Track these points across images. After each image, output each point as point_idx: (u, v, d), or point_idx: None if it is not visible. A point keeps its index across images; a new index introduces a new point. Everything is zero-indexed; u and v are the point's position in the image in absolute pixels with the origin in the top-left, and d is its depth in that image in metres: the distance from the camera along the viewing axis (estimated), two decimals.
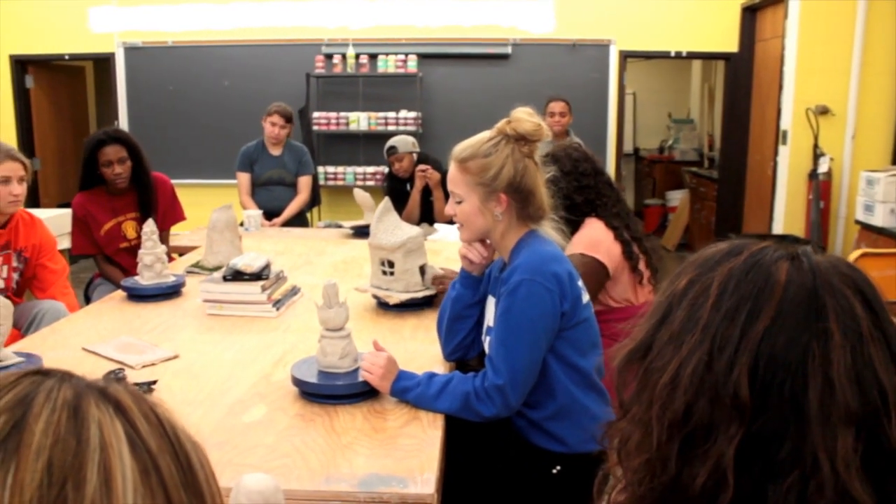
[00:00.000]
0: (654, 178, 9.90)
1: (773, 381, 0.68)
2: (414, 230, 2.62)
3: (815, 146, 5.53)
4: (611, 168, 6.82)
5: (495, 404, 1.68)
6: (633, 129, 10.05)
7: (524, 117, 1.80)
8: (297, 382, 1.80)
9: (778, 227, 5.77)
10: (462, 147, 1.85)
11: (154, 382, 1.89)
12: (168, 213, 3.54)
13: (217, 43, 6.54)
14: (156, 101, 6.64)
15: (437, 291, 2.59)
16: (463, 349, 2.06)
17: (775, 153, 5.85)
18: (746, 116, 6.54)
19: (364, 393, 1.79)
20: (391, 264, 2.56)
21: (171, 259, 3.49)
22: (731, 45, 6.54)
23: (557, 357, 1.79)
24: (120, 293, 2.85)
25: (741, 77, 6.54)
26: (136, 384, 1.86)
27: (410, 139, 4.52)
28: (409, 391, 1.74)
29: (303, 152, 4.85)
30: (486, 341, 1.90)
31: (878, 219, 4.67)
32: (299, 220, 4.83)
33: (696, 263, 0.78)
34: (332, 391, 1.77)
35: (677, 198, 8.93)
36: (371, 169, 6.49)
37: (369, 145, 6.57)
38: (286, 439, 1.58)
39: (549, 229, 1.86)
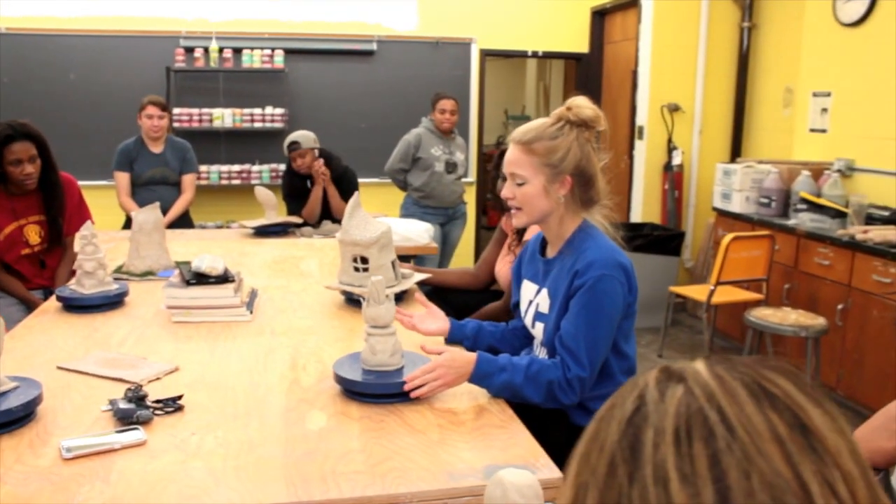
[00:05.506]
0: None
1: None
2: (384, 225, 2.58)
3: (669, 141, 6.00)
4: (473, 164, 7.02)
5: (576, 394, 1.74)
6: None
7: (584, 104, 1.84)
8: (350, 383, 1.73)
9: (636, 216, 6.20)
10: (525, 130, 1.86)
11: (180, 397, 1.75)
12: (75, 217, 3.22)
13: (60, 32, 5.96)
14: None
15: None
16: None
17: (631, 147, 6.28)
18: None
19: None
20: (364, 260, 2.51)
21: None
22: (582, 46, 6.93)
23: (612, 346, 1.86)
24: (51, 304, 2.58)
25: (592, 76, 6.93)
26: (160, 401, 1.72)
27: (311, 135, 4.40)
28: (492, 377, 1.74)
29: (186, 149, 4.58)
30: (538, 327, 1.93)
31: (736, 206, 5.16)
32: (184, 221, 4.56)
33: None
34: (389, 390, 1.72)
35: None
36: (236, 167, 6.22)
37: (232, 143, 6.29)
38: (373, 442, 1.53)
39: (599, 217, 1.92)
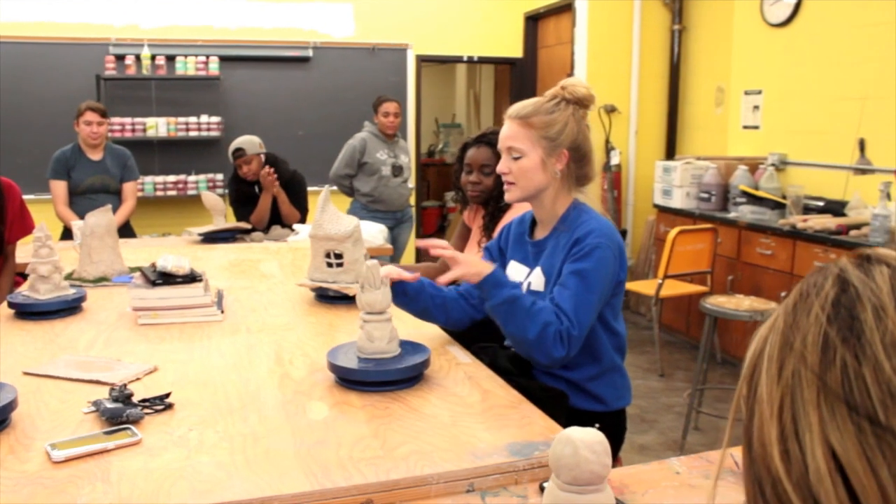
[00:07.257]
0: (427, 180, 10.25)
1: None
2: (354, 219, 2.53)
3: (607, 142, 6.10)
4: (413, 170, 6.99)
5: (565, 349, 1.70)
6: None
7: (578, 83, 1.86)
8: (348, 372, 1.68)
9: None
10: (521, 105, 1.87)
11: (168, 395, 1.66)
12: (17, 224, 3.05)
13: None
14: None
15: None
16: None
17: None
18: None
19: (418, 376, 1.72)
20: (338, 255, 2.46)
21: (20, 279, 3.04)
22: (516, 51, 7.00)
23: (601, 321, 1.85)
24: (1, 312, 2.42)
25: (526, 80, 7.01)
26: (146, 400, 1.63)
27: (256, 139, 4.30)
28: (504, 287, 1.73)
29: (126, 156, 4.41)
30: None
31: (677, 201, 5.28)
32: (126, 231, 4.39)
33: None
34: (390, 377, 1.67)
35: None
36: (172, 178, 6.04)
37: (167, 153, 6.11)
38: (384, 428, 1.48)
39: (589, 198, 1.92)
